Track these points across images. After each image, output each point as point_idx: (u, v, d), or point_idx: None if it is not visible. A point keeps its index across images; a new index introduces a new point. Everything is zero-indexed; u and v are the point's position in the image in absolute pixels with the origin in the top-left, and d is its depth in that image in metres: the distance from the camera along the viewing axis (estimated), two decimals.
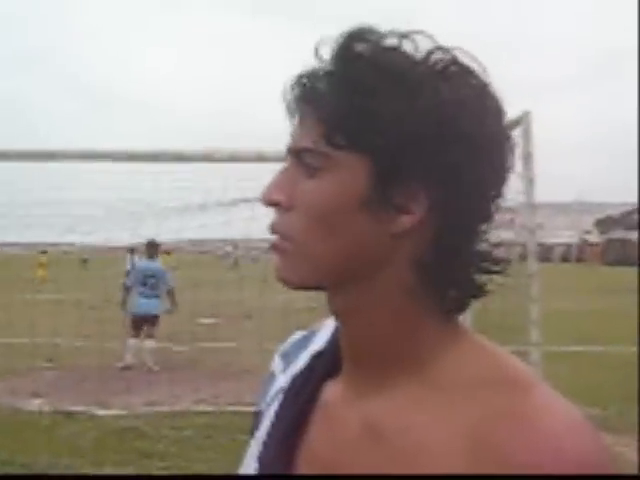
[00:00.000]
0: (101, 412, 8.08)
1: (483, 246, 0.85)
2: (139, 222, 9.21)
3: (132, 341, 11.08)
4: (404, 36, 0.82)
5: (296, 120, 0.86)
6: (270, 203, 0.85)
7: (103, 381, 9.25)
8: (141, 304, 11.08)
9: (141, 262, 11.49)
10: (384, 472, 0.81)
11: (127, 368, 10.77)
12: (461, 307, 0.87)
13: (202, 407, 8.35)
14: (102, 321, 9.96)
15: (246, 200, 7.68)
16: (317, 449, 0.88)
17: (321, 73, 0.82)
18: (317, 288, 0.85)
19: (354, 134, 0.79)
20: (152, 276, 11.11)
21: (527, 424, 0.74)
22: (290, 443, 0.90)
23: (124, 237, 10.77)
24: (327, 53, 0.83)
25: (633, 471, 5.76)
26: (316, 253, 0.82)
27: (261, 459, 0.93)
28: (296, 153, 0.84)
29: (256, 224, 7.37)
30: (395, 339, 0.84)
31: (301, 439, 0.90)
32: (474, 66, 0.82)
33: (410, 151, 0.78)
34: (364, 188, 0.80)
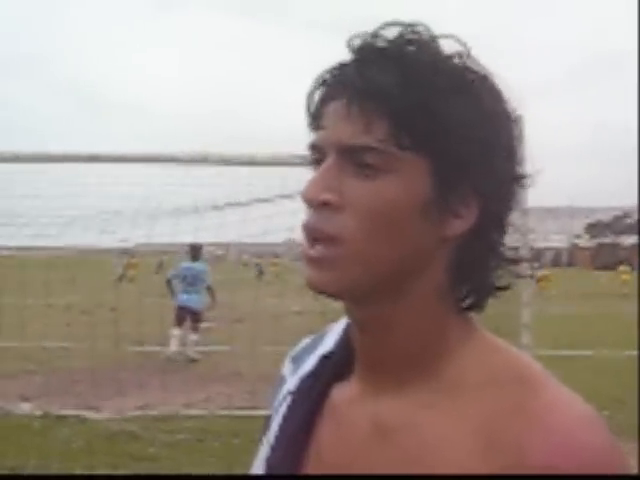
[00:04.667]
0: (92, 415, 8.05)
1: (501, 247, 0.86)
2: (132, 225, 9.20)
3: (175, 331, 11.86)
4: (436, 38, 0.82)
5: (336, 113, 0.80)
6: (318, 203, 0.79)
7: (94, 384, 9.21)
8: (183, 298, 12.06)
9: (185, 263, 12.41)
10: (393, 472, 0.80)
11: (170, 357, 11.53)
12: (478, 306, 0.86)
13: (194, 411, 8.31)
14: (93, 324, 9.93)
15: (239, 204, 7.69)
16: (325, 451, 0.87)
17: (382, 68, 0.78)
18: (356, 295, 0.82)
19: (423, 136, 0.77)
20: (191, 274, 12.10)
21: (539, 421, 0.74)
22: (298, 445, 0.89)
23: (115, 240, 10.76)
24: (372, 49, 0.80)
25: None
26: (372, 257, 0.78)
27: (269, 461, 0.92)
28: (349, 151, 0.79)
29: (248, 228, 7.39)
30: (422, 342, 0.84)
31: (309, 441, 0.89)
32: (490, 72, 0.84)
33: (469, 157, 0.79)
34: (426, 191, 0.79)
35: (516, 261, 0.87)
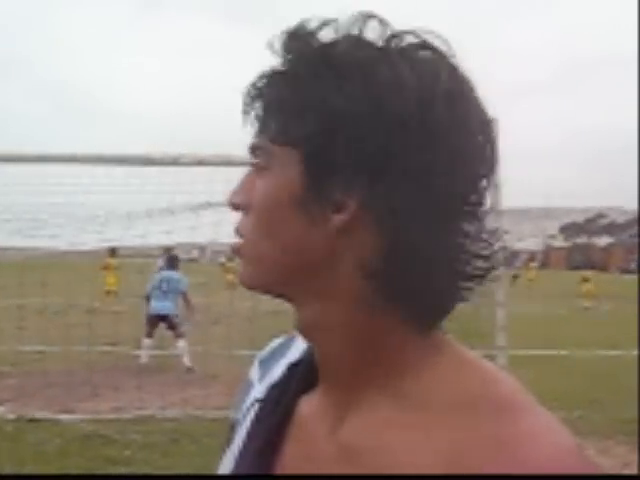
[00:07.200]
0: (66, 418, 7.99)
1: (457, 251, 0.75)
2: (104, 226, 9.16)
3: (147, 341, 11.77)
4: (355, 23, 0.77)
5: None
6: (231, 207, 0.84)
7: (68, 387, 9.14)
8: (154, 306, 11.91)
9: (162, 272, 12.47)
10: None
11: (143, 366, 11.21)
12: (434, 317, 0.79)
13: (169, 412, 8.28)
14: (67, 326, 9.86)
15: (213, 204, 7.67)
16: (291, 467, 0.84)
17: (265, 71, 0.81)
18: (273, 293, 0.82)
19: (283, 126, 0.77)
20: (167, 282, 12.01)
21: (508, 451, 0.68)
22: (264, 458, 0.86)
23: (89, 241, 10.70)
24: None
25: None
26: (260, 253, 0.80)
27: (235, 472, 0.90)
28: (250, 152, 0.83)
29: (223, 228, 7.38)
30: (358, 355, 0.79)
31: (276, 454, 0.85)
32: (443, 49, 0.76)
33: (340, 139, 0.72)
34: (297, 184, 0.76)
35: (469, 276, 0.77)
